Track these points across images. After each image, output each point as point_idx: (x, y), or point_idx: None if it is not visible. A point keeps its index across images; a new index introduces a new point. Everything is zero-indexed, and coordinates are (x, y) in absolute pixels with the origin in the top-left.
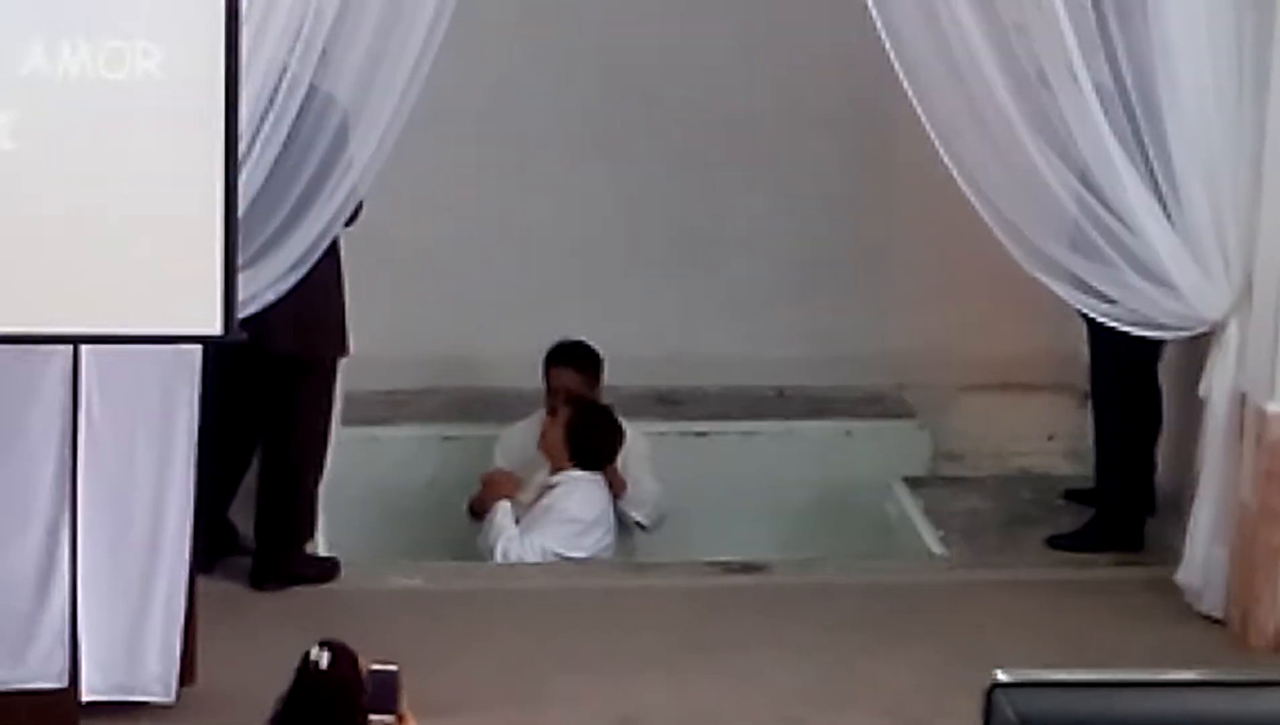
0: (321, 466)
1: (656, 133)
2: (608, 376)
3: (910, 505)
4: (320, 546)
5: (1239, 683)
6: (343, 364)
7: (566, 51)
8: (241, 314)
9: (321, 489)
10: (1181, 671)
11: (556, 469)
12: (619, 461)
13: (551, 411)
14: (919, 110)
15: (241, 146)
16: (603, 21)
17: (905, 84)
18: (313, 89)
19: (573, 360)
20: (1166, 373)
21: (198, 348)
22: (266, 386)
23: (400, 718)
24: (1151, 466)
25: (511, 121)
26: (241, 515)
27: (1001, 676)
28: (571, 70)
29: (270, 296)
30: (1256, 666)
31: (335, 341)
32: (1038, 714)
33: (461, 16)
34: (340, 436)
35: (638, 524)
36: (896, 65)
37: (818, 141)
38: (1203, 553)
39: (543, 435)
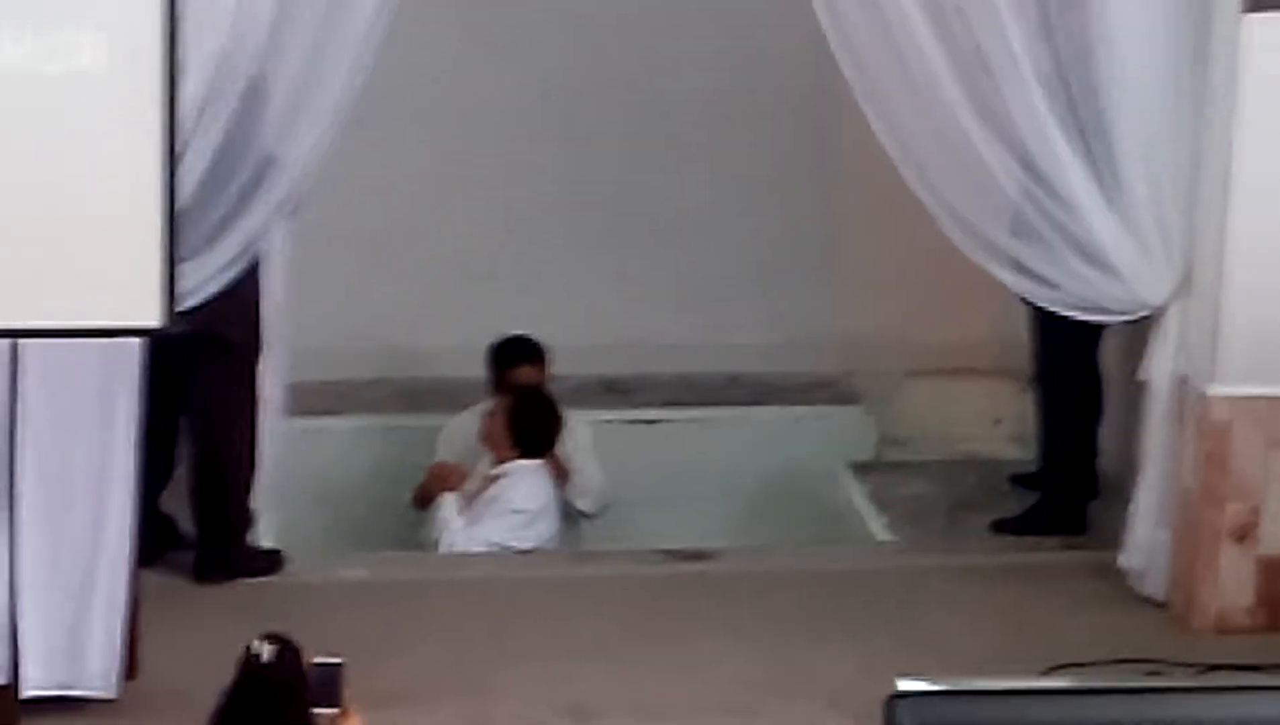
0: (251, 457)
1: (606, 120)
2: (557, 364)
3: (856, 491)
4: (265, 539)
5: (1139, 689)
6: (273, 351)
7: (514, 39)
8: (182, 306)
9: (259, 478)
10: (1080, 679)
11: (500, 459)
12: (563, 450)
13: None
14: (859, 97)
15: (183, 138)
16: (552, 8)
17: (845, 69)
18: (252, 83)
19: (530, 356)
20: (1108, 357)
21: (137, 341)
22: (183, 371)
23: (344, 711)
24: (1094, 451)
25: (457, 110)
26: (185, 511)
27: (901, 686)
28: (520, 58)
29: (213, 288)
30: (1198, 649)
31: (248, 324)
32: (938, 723)
33: (406, 4)
34: (284, 429)
35: (581, 513)
36: (835, 48)
37: (765, 129)
38: (1145, 536)
39: (484, 427)
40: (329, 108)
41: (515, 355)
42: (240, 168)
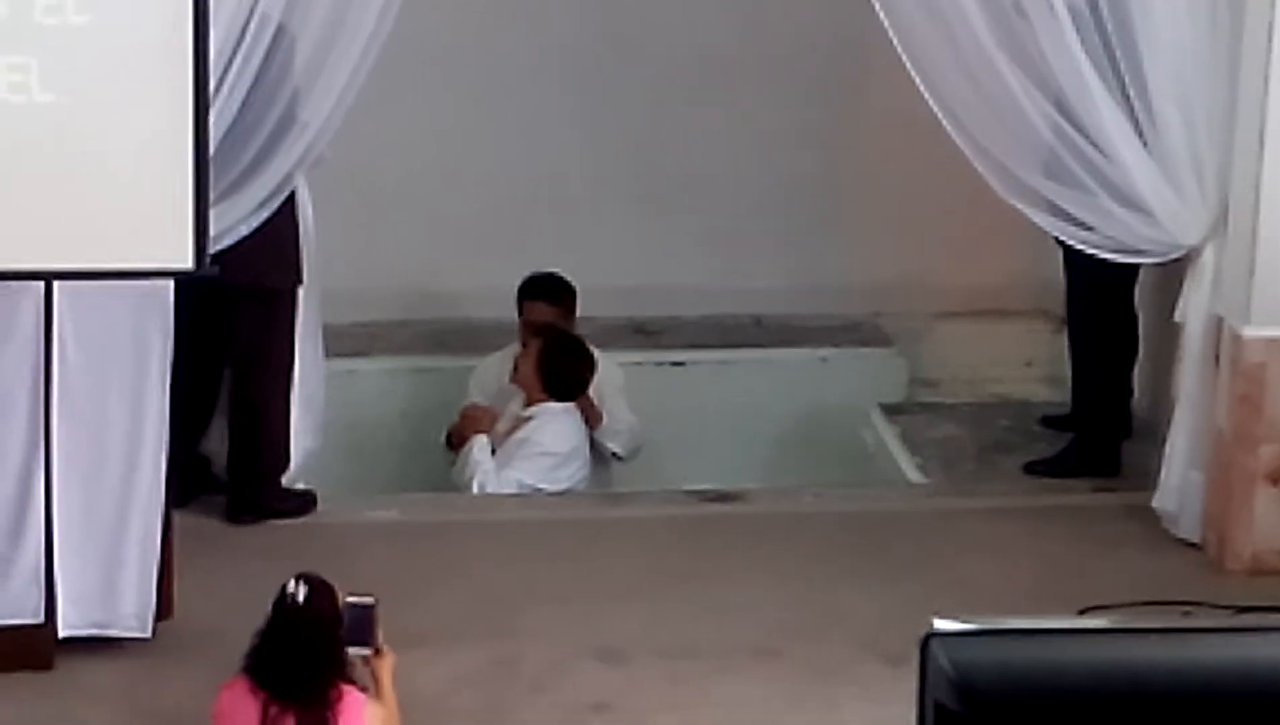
0: (288, 397)
1: (631, 63)
2: (584, 306)
3: (887, 433)
4: (296, 480)
5: (1173, 630)
6: (310, 295)
7: None
8: (214, 249)
9: (294, 420)
10: (1116, 619)
11: (530, 401)
12: (594, 392)
13: (525, 345)
14: (895, 40)
15: (212, 83)
16: None
17: (881, 13)
18: (281, 28)
19: (545, 293)
20: (1142, 298)
21: (170, 283)
22: (226, 318)
23: (377, 650)
24: (1128, 392)
25: (484, 54)
26: (221, 451)
27: (937, 625)
28: (545, 4)
29: (243, 230)
30: (1231, 591)
31: (287, 269)
32: (973, 663)
33: None
34: (320, 370)
35: (613, 455)
36: None
37: (792, 73)
38: (1179, 477)
39: (515, 368)
40: (357, 52)
41: (530, 292)
42: (270, 111)
